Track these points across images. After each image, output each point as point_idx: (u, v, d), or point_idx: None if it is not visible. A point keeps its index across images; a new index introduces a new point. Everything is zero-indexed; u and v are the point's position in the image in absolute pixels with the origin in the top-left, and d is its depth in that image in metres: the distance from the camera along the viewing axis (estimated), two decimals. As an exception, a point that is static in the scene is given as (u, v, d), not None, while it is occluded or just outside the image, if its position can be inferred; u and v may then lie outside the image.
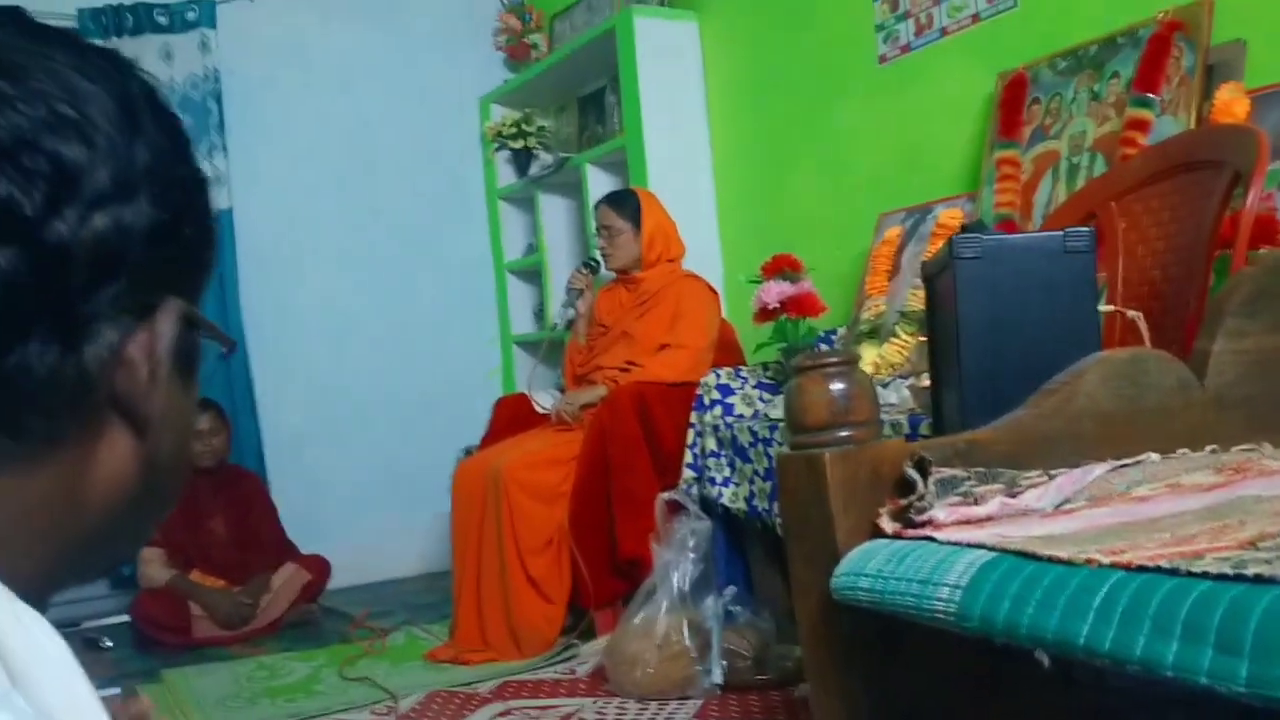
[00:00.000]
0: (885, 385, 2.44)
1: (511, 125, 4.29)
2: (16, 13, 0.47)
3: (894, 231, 2.88)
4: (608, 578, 2.76)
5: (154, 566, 3.46)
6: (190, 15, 3.99)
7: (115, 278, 0.45)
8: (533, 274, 4.45)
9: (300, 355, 4.19)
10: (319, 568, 3.65)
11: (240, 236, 4.03)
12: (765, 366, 2.83)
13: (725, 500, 2.56)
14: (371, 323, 4.35)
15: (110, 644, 3.41)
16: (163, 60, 3.96)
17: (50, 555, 0.46)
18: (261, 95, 4.15)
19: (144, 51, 3.94)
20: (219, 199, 3.95)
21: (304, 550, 3.71)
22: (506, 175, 4.47)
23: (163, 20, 3.98)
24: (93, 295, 0.44)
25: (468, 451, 3.58)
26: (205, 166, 3.93)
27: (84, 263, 0.43)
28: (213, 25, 4.01)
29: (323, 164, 4.25)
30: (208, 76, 3.99)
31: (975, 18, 2.78)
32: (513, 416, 3.30)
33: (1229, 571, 0.70)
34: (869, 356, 2.66)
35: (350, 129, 4.32)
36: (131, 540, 0.53)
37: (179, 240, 0.48)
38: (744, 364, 2.99)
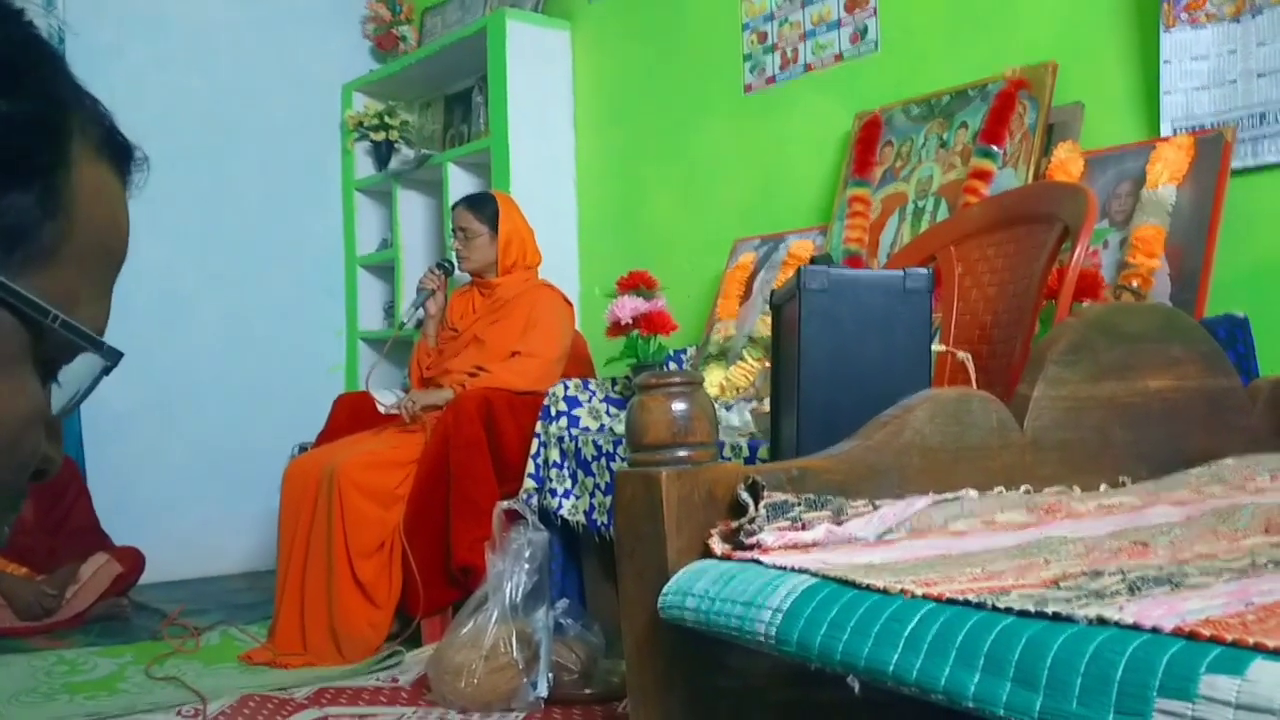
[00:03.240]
0: (729, 408, 2.48)
1: (374, 116, 4.20)
2: None
3: (748, 257, 2.93)
4: (439, 585, 2.72)
5: (-52, 550, 3.23)
6: (35, -32, 3.77)
7: None
8: (386, 270, 4.36)
9: (127, 333, 3.91)
10: (132, 560, 3.47)
11: (73, 206, 3.81)
12: (614, 381, 2.84)
13: (565, 512, 2.55)
14: (210, 305, 4.17)
15: (-108, 631, 3.16)
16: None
17: None
18: (108, 62, 3.94)
19: (-20, 0, 3.69)
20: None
21: (118, 541, 3.52)
22: (365, 167, 4.37)
23: (4, -31, 3.74)
24: None
25: (302, 448, 3.47)
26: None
27: None
28: (60, -19, 3.80)
29: (171, 139, 4.05)
30: (50, 36, 3.76)
31: (839, 57, 2.87)
32: (353, 414, 3.22)
33: (1031, 608, 0.73)
34: (716, 378, 2.71)
35: (202, 105, 4.15)
36: None
37: None
38: (594, 377, 2.99)
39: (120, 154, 0.52)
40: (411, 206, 4.23)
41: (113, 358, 0.50)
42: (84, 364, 0.48)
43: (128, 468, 3.92)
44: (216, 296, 4.18)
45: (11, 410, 0.45)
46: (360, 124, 4.23)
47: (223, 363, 4.18)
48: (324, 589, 2.74)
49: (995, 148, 2.36)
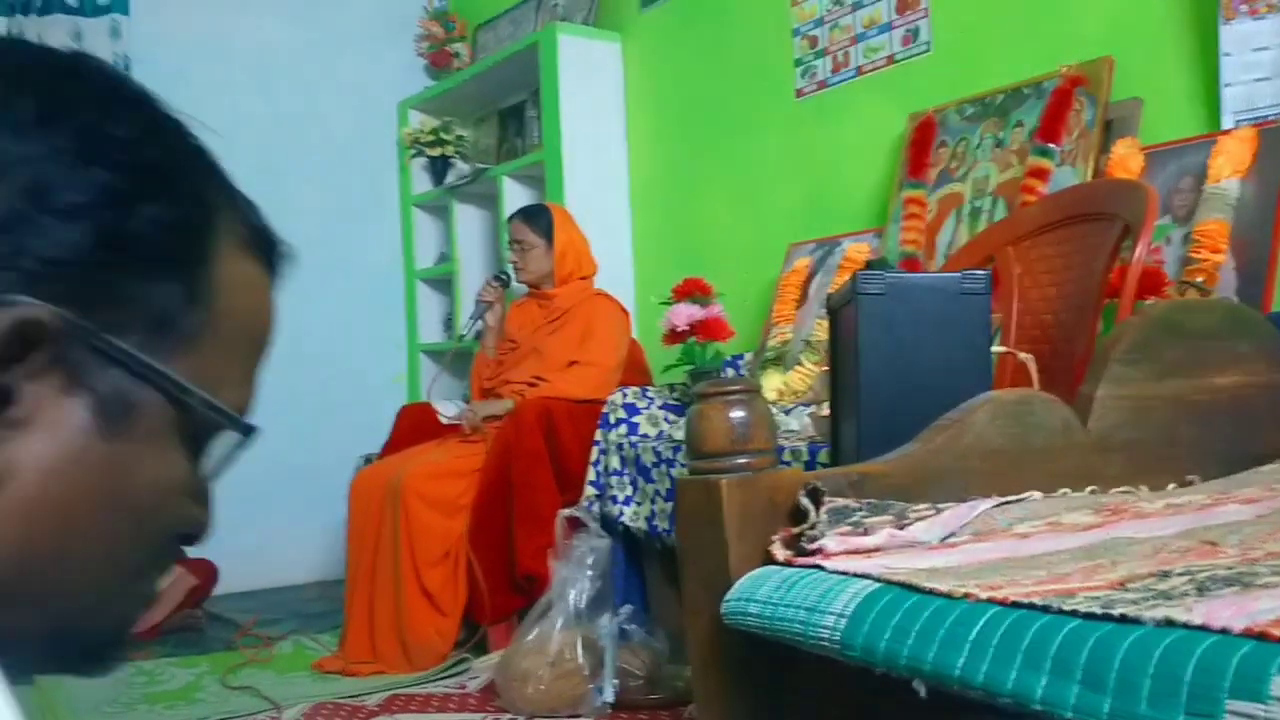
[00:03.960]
0: (788, 412, 2.48)
1: (430, 133, 4.26)
2: None
3: (803, 262, 2.93)
4: (504, 593, 2.75)
5: (31, 565, 3.33)
6: (102, 0, 3.88)
7: None
8: (444, 283, 4.42)
9: (199, 353, 4.08)
10: (206, 572, 3.55)
11: (142, 229, 3.91)
12: (672, 388, 2.85)
13: (626, 519, 2.57)
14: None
15: (-21, 644, 3.27)
16: (71, 43, 3.84)
17: None
18: (173, 87, 3.94)
19: (52, 33, 3.82)
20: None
21: (191, 553, 3.60)
22: (422, 182, 4.44)
23: (73, 2, 3.86)
24: None
25: (368, 459, 3.53)
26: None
27: None
28: (125, 11, 3.91)
29: (232, 160, 4.09)
30: (117, 64, 3.88)
31: (890, 59, 2.86)
32: (415, 425, 3.27)
33: (1098, 611, 0.73)
34: (773, 383, 2.71)
35: (264, 127, 4.24)
36: (40, 632, 0.47)
37: (63, 244, 0.44)
38: (651, 384, 3.01)
39: (266, 248, 0.57)
40: (468, 220, 4.28)
41: (247, 433, 0.53)
42: (226, 439, 0.52)
43: (199, 482, 4.00)
44: (281, 313, 4.26)
45: (158, 479, 0.49)
46: (416, 140, 4.29)
47: (288, 377, 4.25)
48: (392, 598, 2.79)
49: (1052, 145, 2.33)
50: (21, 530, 0.44)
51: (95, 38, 3.87)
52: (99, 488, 0.46)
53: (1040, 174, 2.33)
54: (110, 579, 0.48)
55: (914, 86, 2.79)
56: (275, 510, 4.18)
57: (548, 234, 3.13)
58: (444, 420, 3.21)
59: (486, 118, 4.39)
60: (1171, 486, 1.27)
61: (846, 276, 2.55)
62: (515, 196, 3.84)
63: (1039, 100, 2.42)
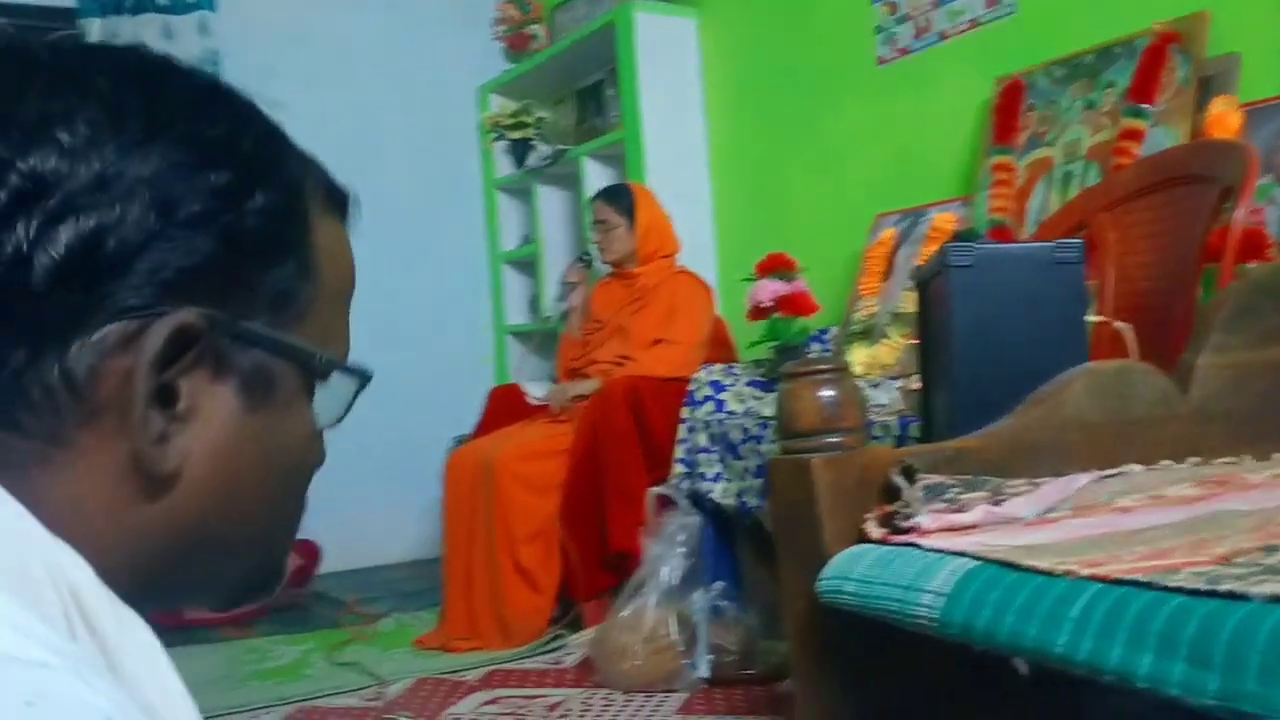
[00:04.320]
0: (876, 386, 2.46)
1: (510, 116, 4.29)
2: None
3: (889, 233, 2.90)
4: (597, 570, 2.79)
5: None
6: (191, -2, 4.00)
7: (93, 283, 0.45)
8: (528, 265, 4.47)
9: (294, 340, 4.19)
10: (309, 552, 3.67)
11: (237, 221, 4.03)
12: (758, 364, 2.85)
13: (716, 496, 2.58)
14: (366, 309, 4.27)
15: (99, 624, 3.42)
16: (164, 40, 3.96)
17: (110, 566, 0.46)
18: (260, 80, 4.01)
19: (144, 31, 3.94)
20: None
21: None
22: (504, 166, 4.48)
23: (163, 1, 3.98)
24: (66, 301, 0.45)
25: (460, 440, 3.60)
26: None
27: (47, 272, 0.44)
28: (213, 8, 4.00)
29: (321, 151, 4.10)
30: (207, 59, 3.98)
31: (974, 23, 2.80)
32: (505, 406, 3.32)
33: (1203, 587, 0.72)
34: (860, 357, 2.69)
35: (349, 117, 4.32)
36: (206, 583, 0.54)
37: (196, 251, 0.47)
38: (737, 361, 3.01)
39: (339, 202, 0.60)
40: (550, 202, 4.31)
41: (367, 378, 0.58)
42: (339, 383, 0.57)
43: (299, 465, 4.12)
44: (371, 299, 4.30)
45: (298, 435, 0.55)
46: (497, 124, 4.33)
47: (380, 362, 4.27)
48: (488, 576, 2.85)
49: (1146, 106, 2.26)
50: (199, 506, 0.50)
51: (185, 35, 3.98)
52: (256, 456, 0.52)
53: (1134, 136, 2.26)
54: (276, 522, 0.56)
55: (999, 50, 2.73)
56: (372, 492, 4.29)
57: (629, 213, 3.14)
58: (532, 401, 3.25)
59: (565, 98, 4.41)
60: (1276, 456, 1.24)
61: (934, 247, 2.52)
62: (595, 176, 3.86)
63: (1130, 59, 2.35)
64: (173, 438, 0.48)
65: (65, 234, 0.44)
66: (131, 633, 0.44)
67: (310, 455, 0.57)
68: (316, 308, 0.54)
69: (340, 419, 0.58)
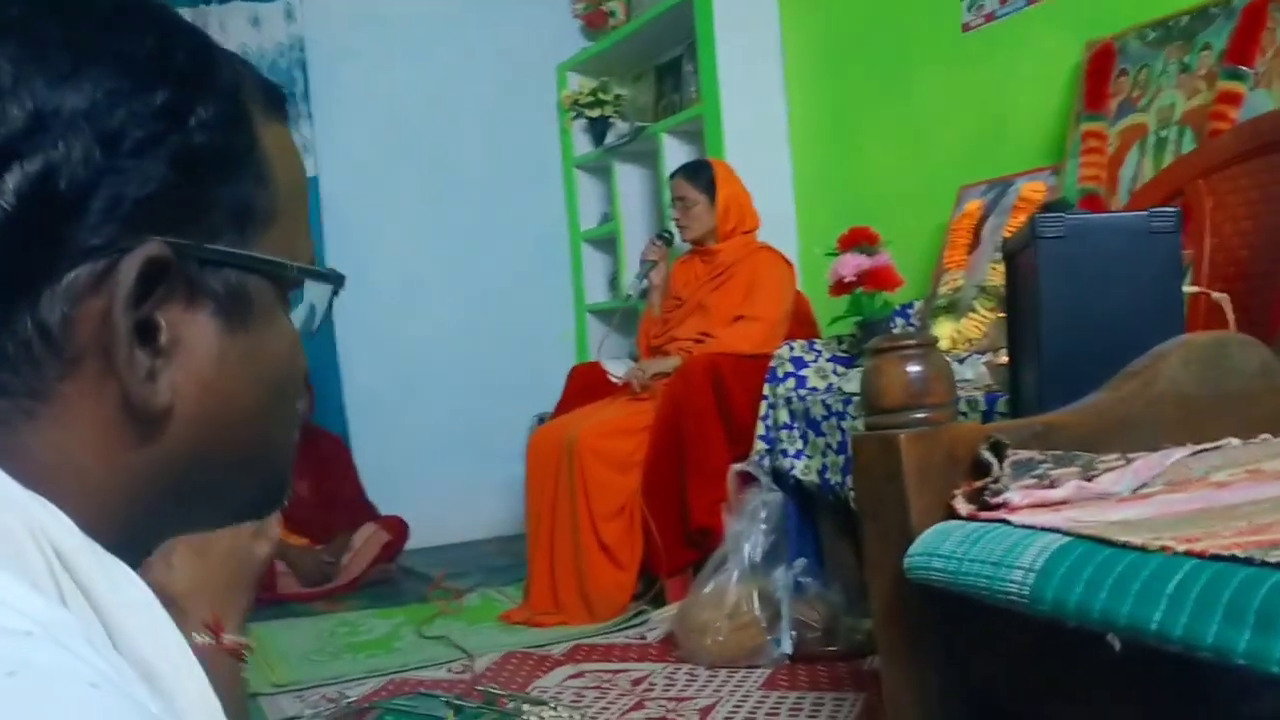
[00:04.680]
0: (962, 361, 2.42)
1: (589, 94, 4.30)
2: None
3: (974, 204, 2.84)
4: (679, 546, 2.80)
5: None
6: (277, -16, 4.08)
7: (52, 227, 0.44)
8: (608, 243, 4.48)
9: (380, 319, 4.28)
10: (397, 528, 3.75)
11: (324, 203, 4.11)
12: (840, 340, 2.82)
13: (797, 473, 2.57)
14: (448, 288, 4.42)
15: (199, 597, 3.55)
16: (252, 27, 4.06)
17: (103, 513, 0.46)
18: (344, 64, 4.22)
19: (233, 18, 4.04)
20: (307, 167, 4.04)
21: (383, 511, 3.81)
22: (583, 144, 4.50)
23: (250, -12, 4.07)
24: (27, 250, 0.44)
25: (542, 419, 3.64)
26: (293, 136, 4.03)
27: (1, 225, 0.43)
28: (296, -6, 4.09)
29: (402, 132, 4.31)
30: (293, 45, 4.07)
31: (1063, -14, 2.72)
32: (585, 384, 3.34)
33: (1305, 563, 0.70)
34: (946, 331, 2.65)
35: (429, 97, 4.37)
36: (209, 509, 0.54)
37: (149, 179, 0.46)
38: (818, 337, 2.99)
39: (277, 101, 0.57)
40: (629, 179, 4.31)
41: (340, 282, 0.58)
42: (314, 288, 0.57)
43: (387, 442, 4.22)
44: (452, 279, 4.43)
45: (282, 348, 0.54)
46: (575, 102, 4.34)
47: (463, 341, 4.42)
48: (571, 552, 2.88)
49: (1245, 68, 2.18)
50: (194, 437, 0.50)
51: (272, 21, 4.07)
52: (244, 377, 0.51)
53: (1232, 99, 2.18)
54: (273, 437, 0.55)
55: (1089, 13, 2.65)
56: (457, 469, 4.36)
57: (709, 190, 3.13)
58: (613, 379, 3.27)
59: (643, 75, 4.40)
60: (1386, 429, 1.19)
61: (1021, 218, 2.46)
62: (674, 153, 3.85)
63: (1229, 20, 2.26)
64: (160, 373, 0.47)
65: (12, 181, 0.43)
66: (121, 588, 0.43)
67: (296, 364, 0.56)
68: (277, 215, 0.53)
69: (320, 325, 0.58)
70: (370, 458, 4.05)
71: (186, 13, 3.89)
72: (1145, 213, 1.37)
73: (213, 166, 0.49)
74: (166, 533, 0.53)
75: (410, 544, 3.84)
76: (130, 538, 0.48)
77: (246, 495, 0.56)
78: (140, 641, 0.43)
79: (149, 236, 0.46)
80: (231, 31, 4.04)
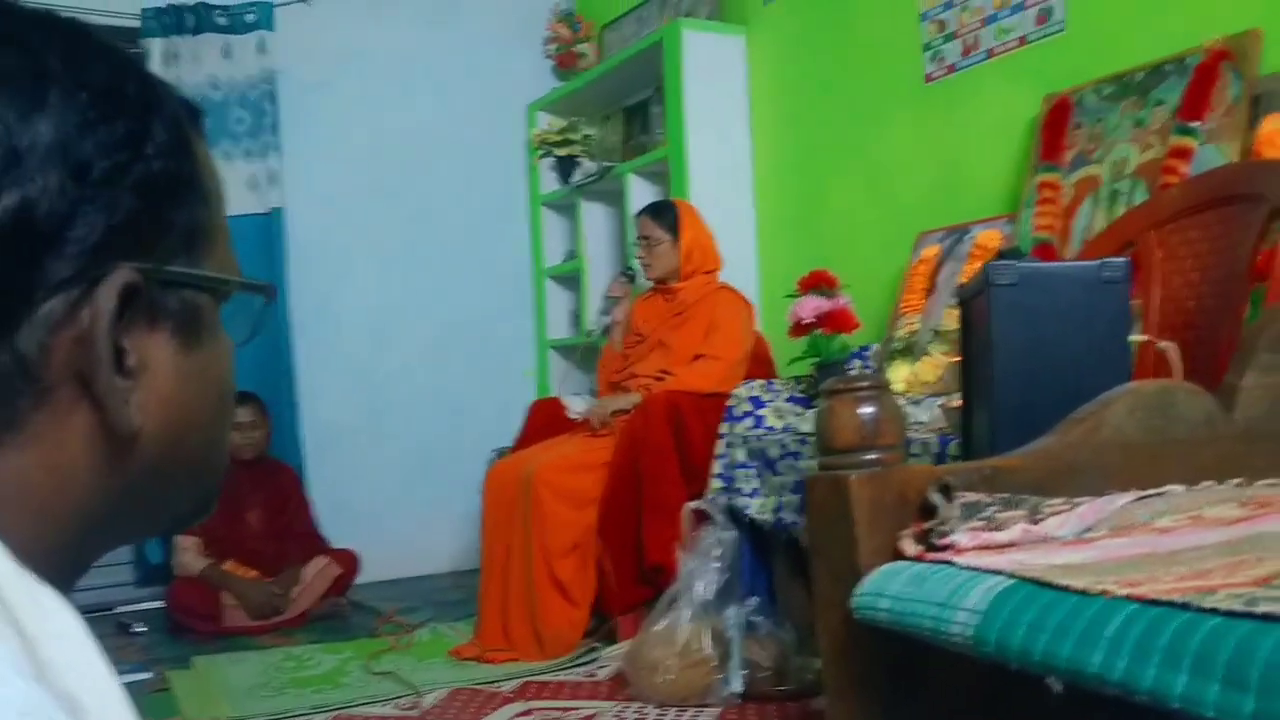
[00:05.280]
0: (917, 403, 2.44)
1: (557, 133, 4.33)
2: None
3: (931, 250, 2.88)
4: (633, 584, 2.79)
5: (189, 555, 3.53)
6: (249, 17, 4.07)
7: (30, 259, 0.45)
8: (572, 280, 4.49)
9: (342, 352, 4.26)
10: (349, 562, 3.70)
11: (291, 235, 4.10)
12: (798, 380, 2.84)
13: (752, 511, 2.58)
14: (412, 322, 4.41)
15: (143, 629, 3.49)
16: (223, 59, 4.05)
17: (56, 535, 0.47)
18: (316, 97, 4.22)
19: (204, 50, 4.03)
20: (270, 198, 4.03)
21: (335, 544, 3.76)
22: (550, 182, 4.52)
23: (222, 21, 4.06)
24: (7, 283, 0.44)
25: (501, 453, 3.62)
26: (259, 167, 4.01)
27: None
28: (270, 27, 4.09)
29: (372, 166, 4.32)
30: (264, 78, 4.07)
31: (1022, 40, 2.78)
32: (546, 420, 3.34)
33: (1239, 608, 0.71)
34: (901, 374, 2.67)
35: (401, 132, 4.38)
36: (150, 519, 0.54)
37: (117, 208, 0.47)
38: (776, 377, 3.00)
39: (198, 117, 0.57)
40: (594, 218, 4.34)
41: (273, 293, 0.59)
42: (246, 299, 0.57)
43: (344, 476, 4.18)
44: (419, 312, 4.42)
45: (225, 361, 0.56)
46: (544, 141, 4.37)
47: (426, 374, 4.41)
48: (524, 587, 2.86)
49: (1196, 124, 2.24)
50: (152, 455, 0.50)
51: (244, 54, 4.06)
52: (198, 394, 0.53)
53: (1183, 154, 2.23)
54: (220, 444, 0.57)
55: (1048, 67, 2.71)
56: (413, 502, 4.32)
57: (674, 229, 3.15)
58: (572, 415, 3.27)
59: (612, 116, 4.44)
60: (1325, 480, 1.21)
61: (977, 265, 2.50)
62: (640, 193, 3.87)
63: (1181, 77, 2.33)
64: (130, 396, 0.48)
65: None
66: (51, 618, 0.43)
67: (233, 374, 0.57)
68: (215, 231, 0.54)
69: (256, 334, 0.59)
70: (326, 490, 4.00)
71: (159, 43, 3.97)
72: (1096, 262, 1.40)
73: (169, 191, 0.50)
74: (107, 548, 0.53)
75: (362, 578, 3.79)
76: (76, 559, 0.49)
77: (189, 505, 0.57)
78: (67, 673, 0.42)
79: (117, 263, 0.47)
80: (203, 62, 4.03)
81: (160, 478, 0.52)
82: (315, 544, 3.74)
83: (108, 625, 3.58)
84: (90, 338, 0.46)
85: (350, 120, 4.29)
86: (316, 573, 3.62)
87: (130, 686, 2.71)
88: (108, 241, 0.46)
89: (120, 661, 3.07)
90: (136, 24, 3.95)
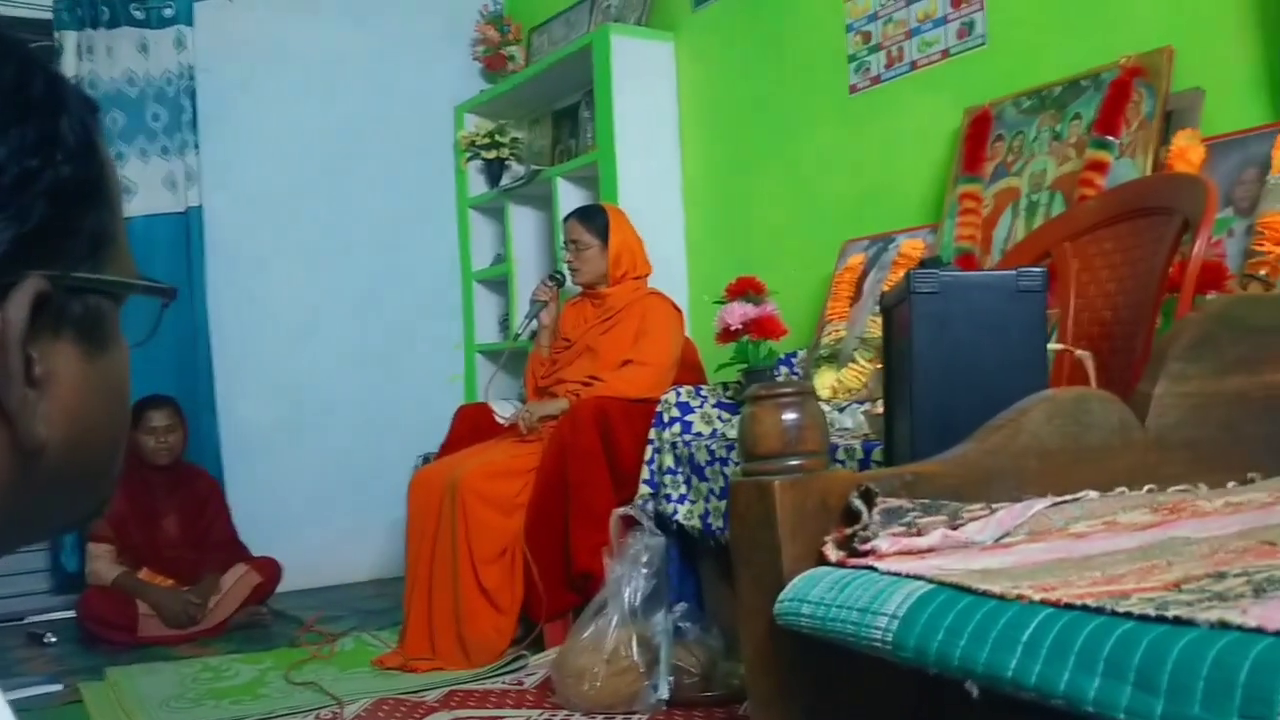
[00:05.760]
0: (842, 410, 2.47)
1: (485, 135, 4.30)
2: None
3: (857, 259, 2.92)
4: (560, 590, 2.77)
5: (102, 563, 3.42)
6: (167, 12, 3.98)
7: None
8: (500, 284, 4.46)
9: (263, 355, 4.18)
10: (270, 570, 3.63)
11: (209, 234, 4.01)
12: (725, 386, 2.85)
13: (680, 517, 2.58)
14: (336, 325, 4.34)
15: (54, 640, 3.37)
16: (139, 54, 3.95)
17: None
18: (236, 94, 4.14)
19: (120, 45, 3.93)
20: (188, 196, 3.94)
21: (256, 552, 3.69)
22: (478, 185, 4.49)
23: (139, 15, 3.96)
24: None
25: (426, 459, 3.58)
26: (176, 164, 3.91)
27: None
28: (190, 23, 4.00)
29: (295, 165, 4.24)
30: (182, 74, 3.98)
31: (945, 53, 2.83)
32: (473, 425, 3.31)
33: (1151, 612, 0.72)
34: (827, 380, 2.70)
35: (325, 131, 4.32)
36: (40, 528, 0.53)
37: (28, 216, 0.46)
38: (705, 383, 3.01)
39: (97, 114, 0.55)
40: (523, 221, 4.32)
41: (173, 295, 0.57)
42: (140, 305, 0.56)
43: (264, 482, 4.10)
44: (343, 315, 4.35)
45: (124, 364, 0.54)
46: (472, 143, 4.34)
47: (350, 378, 4.34)
48: (450, 595, 2.82)
49: (1111, 138, 2.30)
50: (55, 464, 0.49)
51: (161, 49, 3.97)
52: (102, 401, 0.51)
53: (1098, 167, 2.29)
54: (119, 448, 0.55)
55: (969, 80, 2.76)
56: (337, 509, 4.26)
57: (603, 234, 3.15)
58: (500, 420, 3.24)
59: (541, 119, 4.43)
60: (1232, 485, 1.25)
61: (901, 273, 2.53)
62: (569, 197, 3.86)
63: (1097, 92, 2.39)
64: (37, 408, 0.47)
65: None
66: None
67: (130, 381, 0.56)
68: (116, 234, 0.52)
69: (152, 336, 0.58)
70: (246, 496, 3.92)
71: (72, 36, 3.86)
72: (1013, 272, 1.42)
73: (78, 196, 0.49)
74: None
75: (284, 586, 3.72)
76: None
77: (82, 512, 0.55)
78: None
79: (25, 272, 0.45)
80: (118, 57, 3.92)
81: (58, 487, 0.50)
82: (234, 551, 3.65)
83: (18, 636, 3.46)
84: (1, 349, 0.44)
85: (272, 118, 4.21)
86: (235, 581, 3.54)
87: (40, 699, 2.63)
88: (18, 250, 0.45)
89: (30, 673, 2.97)
90: (49, 16, 3.84)
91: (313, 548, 4.12)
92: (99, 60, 3.90)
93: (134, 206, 3.84)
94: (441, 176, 4.58)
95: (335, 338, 4.33)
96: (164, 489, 3.57)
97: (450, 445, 3.28)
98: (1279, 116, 2.10)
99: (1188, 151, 2.11)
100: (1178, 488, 1.22)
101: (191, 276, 3.93)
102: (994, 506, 1.12)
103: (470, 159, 4.42)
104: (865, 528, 1.05)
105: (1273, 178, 1.99)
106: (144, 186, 3.89)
